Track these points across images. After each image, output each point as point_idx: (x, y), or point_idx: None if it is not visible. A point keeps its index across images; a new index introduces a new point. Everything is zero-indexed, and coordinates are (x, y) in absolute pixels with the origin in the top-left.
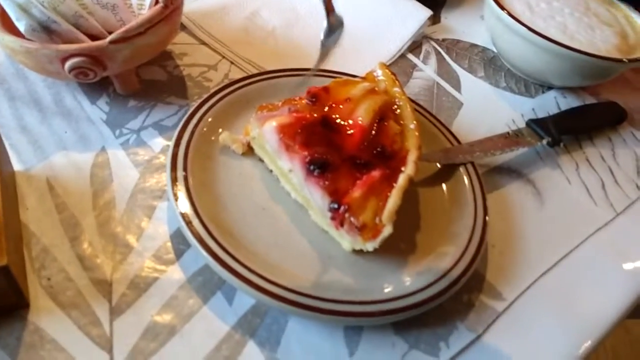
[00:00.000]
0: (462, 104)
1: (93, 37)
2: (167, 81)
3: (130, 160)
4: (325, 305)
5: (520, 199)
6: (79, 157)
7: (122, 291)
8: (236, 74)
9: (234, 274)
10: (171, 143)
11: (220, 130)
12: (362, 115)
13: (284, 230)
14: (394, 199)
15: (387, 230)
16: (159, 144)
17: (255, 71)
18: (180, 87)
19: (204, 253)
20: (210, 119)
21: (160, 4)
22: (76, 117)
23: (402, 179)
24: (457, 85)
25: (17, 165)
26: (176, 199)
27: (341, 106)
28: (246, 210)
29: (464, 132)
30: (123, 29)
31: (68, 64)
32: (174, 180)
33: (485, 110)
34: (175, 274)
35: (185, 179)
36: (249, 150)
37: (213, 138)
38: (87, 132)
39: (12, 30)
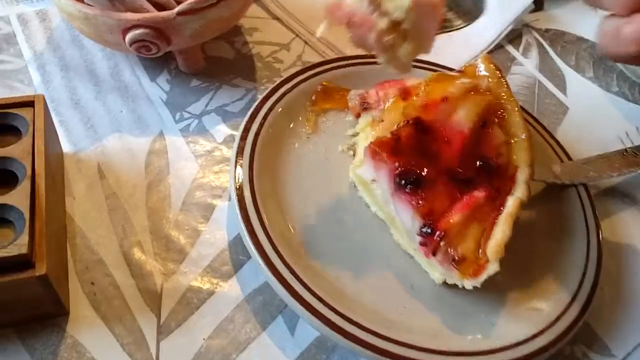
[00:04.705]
0: (567, 108)
1: (159, 7)
2: (234, 60)
3: (190, 150)
4: (404, 352)
5: (635, 231)
6: (135, 141)
7: (172, 306)
8: (310, 57)
9: (298, 300)
10: (237, 135)
11: (291, 124)
12: (462, 119)
13: (359, 248)
14: (502, 229)
15: (493, 268)
16: (222, 133)
17: (333, 55)
18: (248, 67)
19: (267, 271)
20: (280, 109)
21: None
22: (133, 95)
23: (512, 204)
24: (561, 86)
25: (66, 146)
26: (239, 202)
27: (436, 107)
28: (318, 223)
29: (569, 143)
30: None
31: (129, 36)
32: (238, 179)
33: (595, 118)
34: (232, 290)
35: (251, 179)
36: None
37: (283, 132)
38: (144, 113)
39: None
